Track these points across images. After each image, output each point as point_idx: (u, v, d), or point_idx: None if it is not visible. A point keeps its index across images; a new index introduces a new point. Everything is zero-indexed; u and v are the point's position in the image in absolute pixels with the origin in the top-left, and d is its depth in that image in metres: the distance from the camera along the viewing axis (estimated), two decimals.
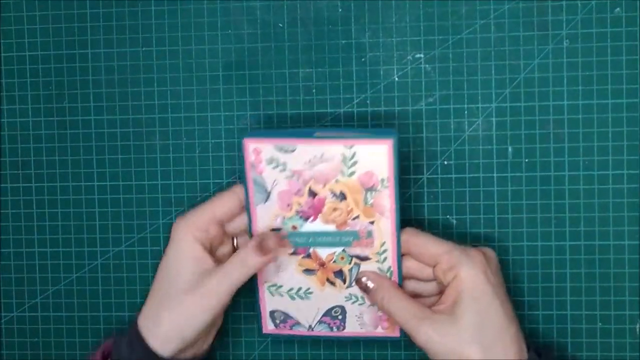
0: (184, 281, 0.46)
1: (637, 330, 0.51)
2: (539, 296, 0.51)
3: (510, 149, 0.51)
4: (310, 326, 0.49)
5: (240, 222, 0.48)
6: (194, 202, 0.53)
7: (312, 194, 0.46)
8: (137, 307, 0.54)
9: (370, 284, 0.47)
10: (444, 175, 0.51)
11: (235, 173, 0.53)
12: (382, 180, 0.45)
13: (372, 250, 0.47)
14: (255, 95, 0.53)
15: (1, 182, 0.55)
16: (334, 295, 0.48)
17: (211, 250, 0.48)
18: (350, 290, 0.48)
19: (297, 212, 0.46)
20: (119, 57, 0.53)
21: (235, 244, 0.49)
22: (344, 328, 0.49)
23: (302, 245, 0.47)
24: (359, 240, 0.46)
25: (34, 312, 0.55)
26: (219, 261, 0.48)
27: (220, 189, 0.53)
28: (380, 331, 0.49)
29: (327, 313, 0.49)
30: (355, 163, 0.45)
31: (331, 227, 0.46)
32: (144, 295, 0.54)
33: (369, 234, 0.46)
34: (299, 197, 0.46)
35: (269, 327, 0.50)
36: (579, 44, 0.50)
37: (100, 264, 0.54)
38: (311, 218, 0.46)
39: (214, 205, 0.47)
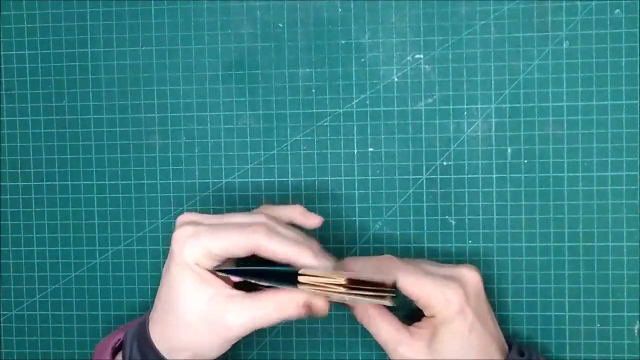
0: (196, 310, 0.42)
1: (636, 331, 0.51)
2: (537, 297, 0.51)
3: (509, 150, 0.51)
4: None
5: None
6: (193, 202, 0.53)
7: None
8: (136, 307, 0.54)
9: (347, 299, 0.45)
10: (443, 176, 0.51)
11: (234, 173, 0.53)
12: None
13: None
14: (254, 95, 0.53)
15: (0, 180, 0.55)
16: None
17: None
18: None
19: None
20: (119, 56, 0.53)
21: None
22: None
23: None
24: None
25: (32, 310, 0.55)
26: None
27: (219, 189, 0.53)
28: None
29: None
30: None
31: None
32: (143, 294, 0.54)
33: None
34: None
35: None
36: (578, 45, 0.50)
37: (99, 262, 0.54)
38: None
39: (228, 242, 0.42)
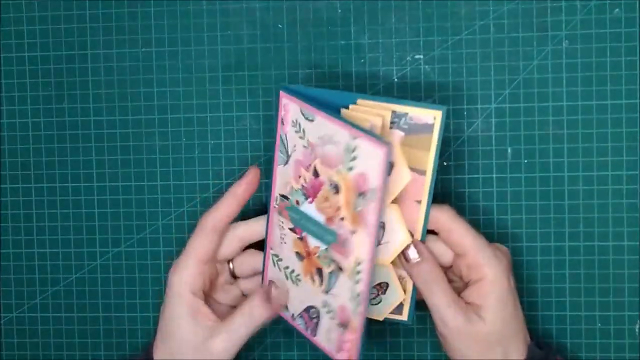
0: (189, 345, 0.46)
1: (637, 330, 0.51)
2: (538, 297, 0.51)
3: (509, 150, 0.51)
4: (293, 315, 0.48)
5: (228, 247, 0.48)
6: (193, 203, 0.53)
7: (316, 173, 0.43)
8: (136, 308, 0.54)
9: (416, 255, 0.45)
10: (443, 176, 0.51)
11: (235, 174, 0.53)
12: (372, 190, 0.40)
13: (348, 264, 0.43)
14: (254, 96, 0.53)
15: (0, 182, 0.55)
16: (313, 293, 0.46)
17: (211, 287, 0.48)
18: (327, 297, 0.45)
19: (302, 187, 0.44)
20: (118, 58, 0.53)
21: (231, 268, 0.49)
22: (314, 334, 0.47)
23: (295, 223, 0.45)
24: (336, 244, 0.43)
25: (33, 312, 0.55)
26: (220, 293, 0.49)
27: (220, 190, 0.53)
28: (338, 357, 0.45)
29: (307, 309, 0.47)
30: (354, 158, 0.41)
31: (321, 218, 0.44)
32: (144, 295, 0.54)
33: (345, 243, 0.43)
34: (306, 171, 0.44)
35: None
36: (578, 44, 0.50)
37: (100, 264, 0.54)
38: (310, 199, 0.44)
39: (195, 247, 0.47)
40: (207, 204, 0.53)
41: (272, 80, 0.52)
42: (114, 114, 0.54)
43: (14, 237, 0.55)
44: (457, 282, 0.47)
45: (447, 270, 0.47)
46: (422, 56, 0.51)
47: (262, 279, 0.49)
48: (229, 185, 0.53)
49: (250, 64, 0.52)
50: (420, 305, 0.47)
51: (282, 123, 0.43)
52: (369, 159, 0.40)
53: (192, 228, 0.53)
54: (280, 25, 0.52)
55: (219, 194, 0.53)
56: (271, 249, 0.48)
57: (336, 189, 0.42)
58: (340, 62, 0.52)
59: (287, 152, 0.44)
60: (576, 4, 0.50)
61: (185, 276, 0.46)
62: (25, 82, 0.54)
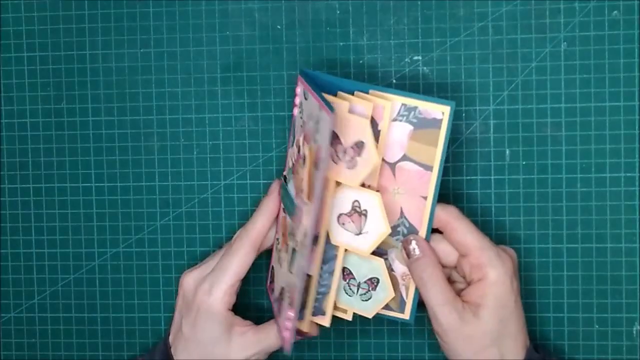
0: (220, 351, 0.47)
1: (634, 332, 0.51)
2: (536, 298, 0.51)
3: (507, 152, 0.51)
4: (275, 298, 0.49)
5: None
6: (191, 204, 0.53)
7: (299, 149, 0.45)
8: (134, 309, 0.54)
9: (417, 251, 0.46)
10: (442, 178, 0.51)
11: (233, 175, 0.53)
12: (322, 159, 0.41)
13: (300, 237, 0.44)
14: (253, 97, 0.53)
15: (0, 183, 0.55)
16: (285, 273, 0.47)
17: None
18: (290, 276, 0.46)
19: (292, 165, 0.46)
20: (117, 58, 0.53)
21: None
22: (280, 315, 0.48)
23: (282, 201, 0.47)
24: (295, 216, 0.44)
25: (31, 313, 0.55)
26: None
27: (218, 191, 0.53)
28: (282, 335, 0.47)
29: (281, 291, 0.48)
30: (318, 130, 0.42)
31: (293, 192, 0.45)
32: (141, 296, 0.54)
33: (300, 216, 0.44)
34: (296, 149, 0.45)
35: (268, 281, 0.51)
36: (576, 46, 0.50)
37: (98, 265, 0.54)
38: (292, 175, 0.45)
39: (234, 265, 0.47)
40: (205, 205, 0.53)
41: (270, 81, 0.52)
42: (113, 115, 0.54)
43: (12, 237, 0.55)
44: (460, 283, 0.47)
45: (451, 271, 0.47)
46: (420, 57, 0.51)
47: (269, 264, 0.51)
48: (227, 185, 0.53)
49: (248, 64, 0.52)
50: (420, 305, 0.47)
51: (295, 106, 0.45)
52: (324, 129, 0.41)
53: (190, 229, 0.53)
54: (278, 26, 0.52)
55: (217, 194, 0.53)
56: (276, 232, 0.49)
57: (304, 162, 0.44)
58: (338, 63, 0.52)
59: (294, 133, 0.46)
60: (575, 6, 0.50)
61: (224, 296, 0.47)
62: (24, 82, 0.54)
